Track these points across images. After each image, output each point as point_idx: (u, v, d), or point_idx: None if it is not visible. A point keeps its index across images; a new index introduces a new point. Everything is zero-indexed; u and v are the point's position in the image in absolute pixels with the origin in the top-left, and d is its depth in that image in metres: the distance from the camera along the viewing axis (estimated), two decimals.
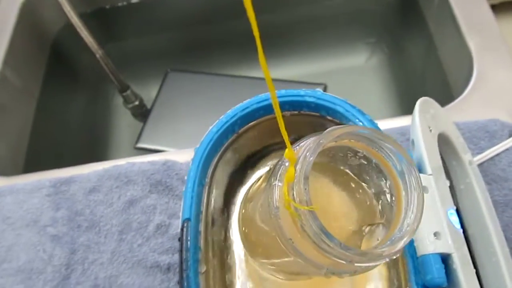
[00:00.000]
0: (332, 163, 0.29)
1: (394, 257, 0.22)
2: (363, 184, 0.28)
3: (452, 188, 0.33)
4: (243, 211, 0.32)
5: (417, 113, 0.28)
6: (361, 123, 0.31)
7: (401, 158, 0.23)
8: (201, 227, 0.29)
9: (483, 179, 0.39)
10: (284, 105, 0.32)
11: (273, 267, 0.31)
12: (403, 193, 0.23)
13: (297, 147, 0.24)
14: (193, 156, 0.31)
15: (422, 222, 0.25)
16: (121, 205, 0.44)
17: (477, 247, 0.30)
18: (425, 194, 0.26)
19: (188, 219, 0.28)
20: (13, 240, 0.45)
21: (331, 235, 0.20)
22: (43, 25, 0.72)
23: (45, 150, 0.69)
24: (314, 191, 0.28)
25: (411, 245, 0.26)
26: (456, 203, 0.33)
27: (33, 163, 0.64)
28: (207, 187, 0.31)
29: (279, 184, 0.23)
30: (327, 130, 0.22)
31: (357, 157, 0.26)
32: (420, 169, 0.28)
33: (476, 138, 0.42)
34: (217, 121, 0.31)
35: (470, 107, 0.46)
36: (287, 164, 0.23)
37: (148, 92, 0.80)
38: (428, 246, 0.24)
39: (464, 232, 0.32)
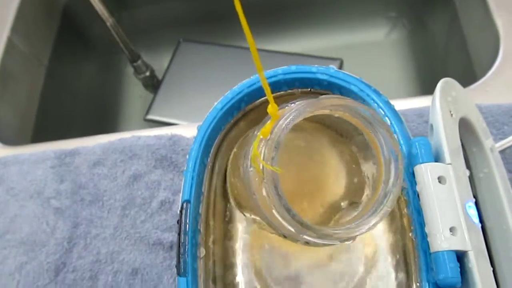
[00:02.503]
0: (333, 130, 0.28)
1: (347, 242, 0.22)
2: (358, 159, 0.27)
3: (471, 177, 0.31)
4: (231, 156, 0.31)
5: (437, 97, 0.26)
6: (376, 104, 0.29)
7: (389, 147, 0.23)
8: (202, 209, 0.28)
9: (505, 166, 0.37)
10: (294, 82, 0.30)
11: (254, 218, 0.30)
12: (382, 184, 0.23)
13: (289, 104, 0.23)
14: (195, 135, 0.29)
15: (437, 215, 0.24)
16: (125, 179, 0.43)
17: (495, 242, 0.29)
18: (442, 186, 0.24)
19: (188, 201, 0.27)
20: (17, 211, 0.44)
21: (284, 199, 0.20)
22: None
23: (54, 119, 0.68)
24: (305, 151, 0.27)
25: (424, 239, 0.24)
26: (474, 193, 0.30)
27: (41, 131, 0.64)
28: (209, 167, 0.29)
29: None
30: (322, 96, 0.21)
31: (358, 132, 0.25)
32: (439, 158, 0.26)
33: (499, 123, 0.39)
34: (222, 97, 0.29)
35: (494, 89, 0.44)
36: None
37: (160, 62, 0.78)
38: (443, 242, 0.22)
39: (482, 224, 0.30)
